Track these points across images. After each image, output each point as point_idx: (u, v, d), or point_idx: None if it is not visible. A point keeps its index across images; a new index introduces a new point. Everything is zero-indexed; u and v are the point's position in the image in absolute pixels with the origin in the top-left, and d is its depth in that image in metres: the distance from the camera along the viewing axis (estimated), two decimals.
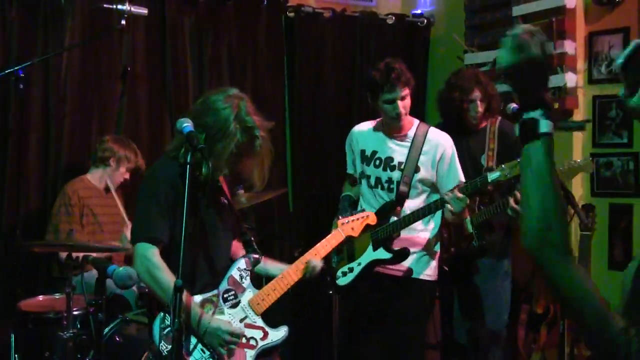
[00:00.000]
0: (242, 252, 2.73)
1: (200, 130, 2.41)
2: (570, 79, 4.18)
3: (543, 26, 4.28)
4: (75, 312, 3.07)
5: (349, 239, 2.93)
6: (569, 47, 4.17)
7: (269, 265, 2.78)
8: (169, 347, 2.39)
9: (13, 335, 3.13)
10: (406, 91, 3.03)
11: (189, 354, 2.42)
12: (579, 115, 4.30)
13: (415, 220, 3.04)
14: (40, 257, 3.86)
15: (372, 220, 2.93)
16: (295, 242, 4.49)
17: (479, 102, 3.45)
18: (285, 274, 2.66)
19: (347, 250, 3.19)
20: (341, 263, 3.22)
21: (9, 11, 3.85)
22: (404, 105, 3.05)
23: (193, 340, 2.45)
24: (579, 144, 4.30)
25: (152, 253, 2.42)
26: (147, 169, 2.76)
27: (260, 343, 2.56)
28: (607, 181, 3.51)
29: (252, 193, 3.90)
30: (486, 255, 3.47)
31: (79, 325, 3.09)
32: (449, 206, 2.87)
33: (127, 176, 3.91)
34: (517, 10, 4.45)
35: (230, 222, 2.69)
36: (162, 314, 2.46)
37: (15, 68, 3.58)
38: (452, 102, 3.50)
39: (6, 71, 3.59)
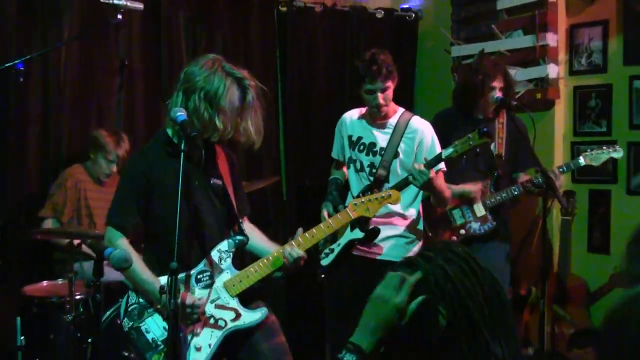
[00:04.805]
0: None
1: (200, 98, 2.44)
2: (552, 70, 4.32)
3: (526, 19, 4.43)
4: (77, 297, 3.23)
5: (360, 220, 2.89)
6: (550, 39, 4.31)
7: (261, 244, 2.80)
8: (131, 323, 2.53)
9: (19, 319, 3.26)
10: (388, 83, 3.07)
11: (149, 331, 2.50)
12: (560, 105, 4.45)
13: None
14: (43, 244, 3.95)
15: (395, 199, 2.82)
16: (289, 231, 4.61)
17: (498, 91, 3.51)
18: (266, 259, 2.64)
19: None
20: (326, 245, 3.28)
21: (7, 5, 3.92)
22: (384, 96, 3.09)
23: (156, 317, 2.51)
24: (560, 133, 4.45)
25: (118, 241, 2.54)
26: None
27: (230, 324, 2.52)
28: (587, 168, 3.67)
29: (246, 182, 4.02)
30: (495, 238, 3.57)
31: (81, 309, 3.24)
32: (410, 177, 2.91)
33: (111, 169, 3.89)
34: (502, 4, 4.58)
35: (225, 202, 2.70)
36: (129, 292, 2.59)
37: (15, 62, 3.67)
38: (472, 85, 3.53)
39: (6, 65, 3.69)
